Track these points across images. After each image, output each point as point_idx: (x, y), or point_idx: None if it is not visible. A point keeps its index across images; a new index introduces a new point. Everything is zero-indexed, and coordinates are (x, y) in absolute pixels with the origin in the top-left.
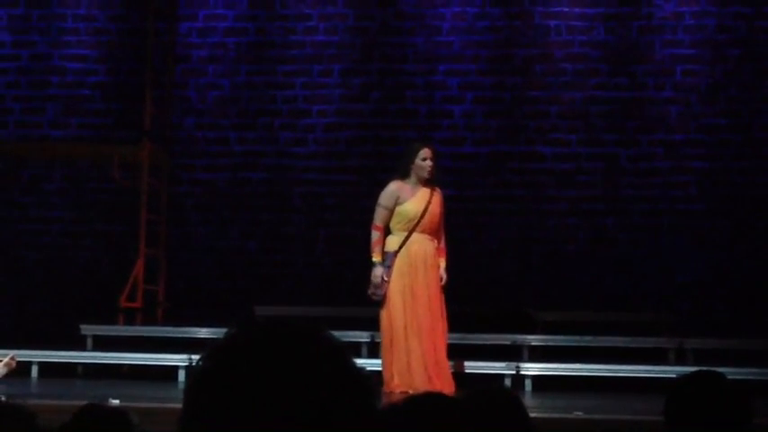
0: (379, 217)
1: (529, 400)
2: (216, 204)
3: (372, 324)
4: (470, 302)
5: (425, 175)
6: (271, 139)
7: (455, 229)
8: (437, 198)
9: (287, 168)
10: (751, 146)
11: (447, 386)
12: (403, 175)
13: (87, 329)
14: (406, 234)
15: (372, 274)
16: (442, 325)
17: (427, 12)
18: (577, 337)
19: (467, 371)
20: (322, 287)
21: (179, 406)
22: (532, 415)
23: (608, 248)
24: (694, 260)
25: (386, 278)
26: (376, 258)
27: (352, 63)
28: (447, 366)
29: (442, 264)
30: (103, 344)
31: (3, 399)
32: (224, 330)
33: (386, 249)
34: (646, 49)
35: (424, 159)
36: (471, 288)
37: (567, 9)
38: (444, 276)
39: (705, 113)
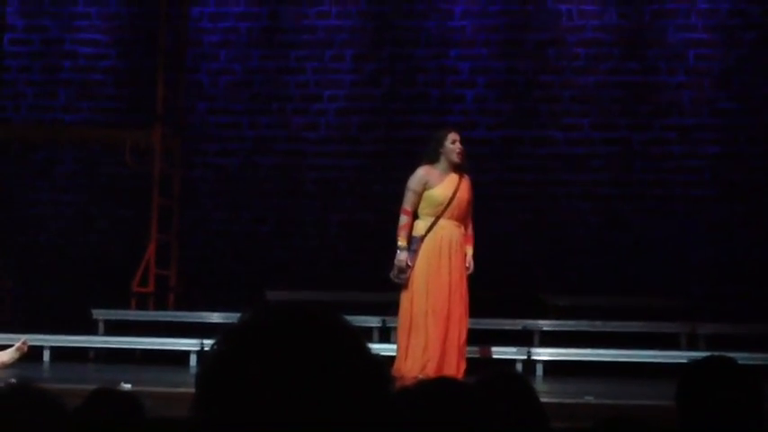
0: (408, 201)
1: (540, 385)
2: (228, 189)
3: (384, 309)
4: (482, 287)
5: (455, 158)
6: (283, 123)
7: None
8: (466, 184)
9: (299, 153)
10: (764, 130)
11: (454, 372)
12: (432, 160)
13: (99, 314)
14: (433, 219)
15: (397, 258)
16: (462, 311)
17: None
18: (589, 322)
19: (476, 356)
20: (334, 272)
21: (191, 391)
22: (543, 400)
23: (620, 233)
24: (707, 245)
25: (410, 263)
26: (402, 242)
27: (364, 48)
28: (458, 353)
29: (470, 251)
30: (115, 328)
31: (13, 381)
32: (236, 315)
33: (413, 234)
34: (658, 33)
35: (454, 142)
36: (483, 272)
37: None
38: (471, 264)
39: (718, 98)
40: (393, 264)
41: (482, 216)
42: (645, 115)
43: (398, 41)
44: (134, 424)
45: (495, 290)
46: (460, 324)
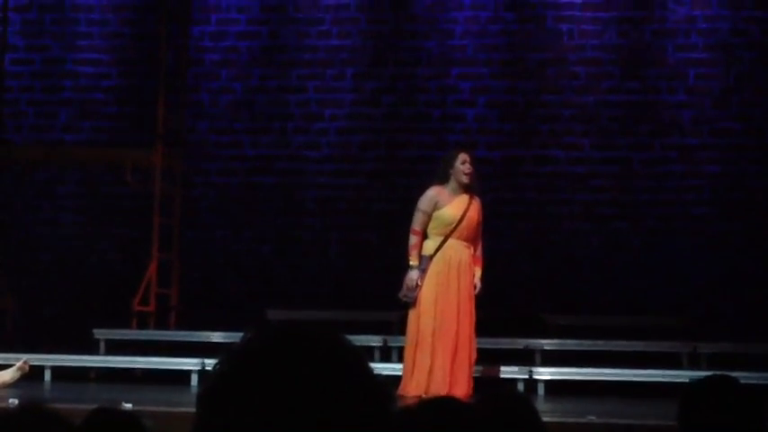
0: (417, 221)
1: (542, 404)
2: (229, 208)
3: (385, 328)
4: (484, 306)
5: (464, 179)
6: (283, 142)
7: None
8: (476, 205)
9: (300, 172)
10: (765, 150)
11: (462, 391)
12: (442, 180)
13: (100, 333)
14: (442, 239)
15: (407, 277)
16: (470, 331)
17: (440, 15)
18: (590, 342)
19: (477, 374)
20: (335, 291)
21: (192, 410)
22: (545, 419)
23: (621, 252)
24: (708, 264)
25: (419, 282)
26: (413, 262)
27: (365, 67)
28: (466, 372)
29: (478, 272)
30: (116, 348)
31: (15, 402)
32: (237, 334)
33: (422, 253)
34: (659, 52)
35: (463, 163)
36: (484, 292)
37: (579, 13)
38: (479, 285)
39: (719, 117)
40: (403, 283)
41: (483, 235)
42: (645, 134)
43: (399, 61)
44: None
45: (496, 309)
46: (470, 344)
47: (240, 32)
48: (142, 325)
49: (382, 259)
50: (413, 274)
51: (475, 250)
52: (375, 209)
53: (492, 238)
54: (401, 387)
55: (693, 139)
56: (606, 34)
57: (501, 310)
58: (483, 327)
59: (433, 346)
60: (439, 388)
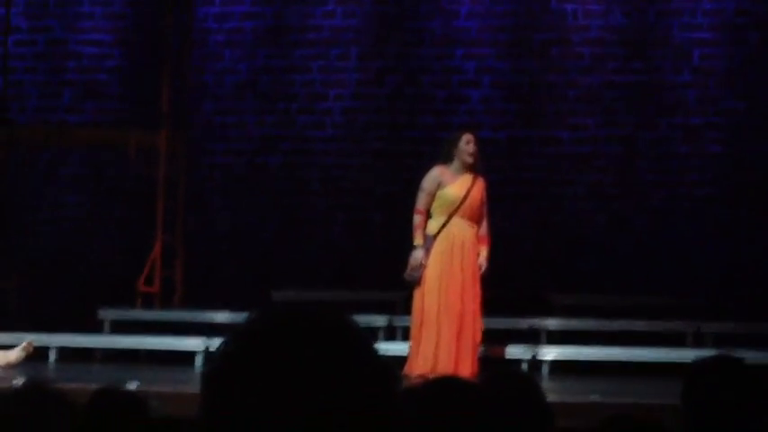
0: (421, 201)
1: (546, 384)
2: (233, 188)
3: (390, 308)
4: (488, 286)
5: (469, 159)
6: (288, 123)
7: None
8: (479, 185)
9: (304, 152)
10: None
11: (468, 370)
12: (446, 160)
13: (105, 314)
14: (445, 218)
15: (412, 257)
16: (476, 309)
17: None
18: (595, 322)
19: (482, 354)
20: (339, 271)
21: (196, 390)
22: (550, 399)
23: (626, 232)
24: (712, 243)
25: (423, 262)
26: (418, 242)
27: (370, 47)
28: (472, 351)
29: (484, 252)
30: (121, 328)
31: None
32: (242, 315)
33: (426, 233)
34: (663, 32)
35: (468, 143)
36: (489, 272)
37: None
38: (485, 264)
39: (723, 97)
40: (407, 263)
41: (489, 215)
42: (650, 115)
43: (404, 41)
44: (137, 423)
45: (501, 289)
46: (474, 323)
47: (244, 13)
48: (147, 305)
49: (387, 239)
50: (417, 254)
51: (479, 230)
52: (380, 189)
53: (497, 218)
54: (407, 366)
55: (698, 119)
56: (611, 14)
57: (506, 290)
58: (488, 307)
59: (438, 325)
60: (445, 366)
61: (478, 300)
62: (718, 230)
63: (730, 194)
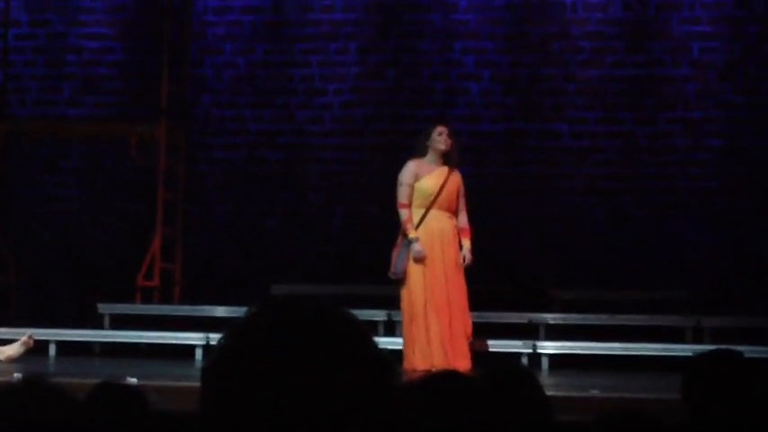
0: (402, 194)
1: (545, 378)
2: (233, 183)
3: (389, 302)
4: (487, 280)
5: (442, 146)
6: (287, 117)
7: (472, 207)
8: (455, 177)
9: (303, 146)
10: None
11: (463, 363)
12: (421, 153)
13: (104, 308)
14: (423, 211)
15: (413, 250)
16: (460, 302)
17: None
18: (594, 316)
19: (481, 349)
20: (339, 265)
21: (196, 384)
22: (549, 393)
23: (625, 226)
24: (712, 238)
25: (408, 256)
26: (412, 235)
27: (369, 41)
28: (465, 343)
29: (467, 244)
30: (121, 322)
31: (20, 376)
32: (241, 309)
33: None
34: (663, 26)
35: (440, 134)
36: (488, 266)
37: None
38: (468, 257)
39: (723, 91)
40: (390, 261)
41: (487, 209)
42: (649, 108)
43: (403, 34)
44: (137, 417)
45: (500, 283)
46: (463, 313)
47: (244, 6)
48: (146, 300)
49: (386, 233)
50: (417, 246)
51: (457, 221)
52: (379, 183)
53: (496, 211)
54: (406, 362)
55: (698, 113)
56: (610, 7)
57: (505, 284)
58: (487, 301)
59: (427, 319)
60: (440, 360)
61: (465, 292)
62: (717, 224)
63: (730, 188)
